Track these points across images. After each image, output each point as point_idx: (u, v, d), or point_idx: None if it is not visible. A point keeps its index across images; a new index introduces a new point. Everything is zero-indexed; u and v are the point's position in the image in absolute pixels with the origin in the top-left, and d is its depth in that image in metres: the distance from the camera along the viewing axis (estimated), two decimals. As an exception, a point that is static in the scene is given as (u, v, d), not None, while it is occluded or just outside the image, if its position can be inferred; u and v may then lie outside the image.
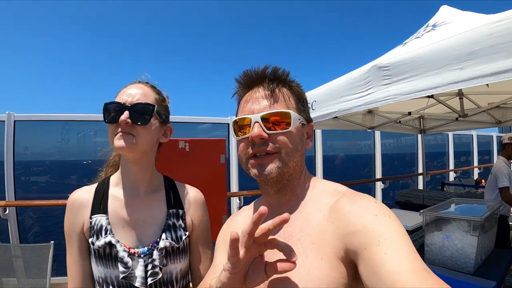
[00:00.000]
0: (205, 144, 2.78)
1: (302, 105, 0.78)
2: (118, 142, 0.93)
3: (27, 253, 2.68)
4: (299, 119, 0.75)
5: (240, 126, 0.76)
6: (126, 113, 0.92)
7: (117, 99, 0.96)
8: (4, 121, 3.81)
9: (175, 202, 1.07)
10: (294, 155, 0.74)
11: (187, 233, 1.05)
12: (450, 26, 2.03)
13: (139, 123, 0.95)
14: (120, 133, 0.93)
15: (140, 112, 0.95)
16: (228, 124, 4.78)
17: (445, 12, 2.40)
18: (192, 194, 1.12)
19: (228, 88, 0.84)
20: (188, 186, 1.14)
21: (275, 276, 0.67)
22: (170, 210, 1.04)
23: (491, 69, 1.41)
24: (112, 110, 0.94)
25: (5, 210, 3.52)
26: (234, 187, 4.72)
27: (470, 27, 1.54)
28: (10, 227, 3.64)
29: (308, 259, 0.65)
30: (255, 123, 0.71)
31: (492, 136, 9.61)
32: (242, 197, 4.14)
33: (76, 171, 5.59)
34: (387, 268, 0.52)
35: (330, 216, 0.68)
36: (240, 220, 0.90)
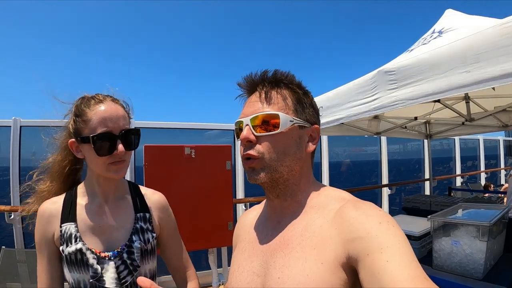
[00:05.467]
0: (211, 151, 2.77)
1: (302, 106, 0.77)
2: (118, 173, 1.00)
3: (31, 258, 2.68)
4: (291, 121, 0.73)
5: (237, 129, 0.79)
6: (121, 145, 0.97)
7: (101, 125, 0.95)
8: (10, 126, 3.85)
9: (141, 206, 1.12)
10: (284, 159, 0.72)
11: (154, 235, 1.11)
12: (457, 33, 2.02)
13: (131, 149, 1.02)
14: (116, 163, 0.98)
15: (130, 139, 1.01)
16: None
17: (451, 17, 2.40)
18: (156, 198, 1.18)
19: (236, 94, 0.84)
20: (152, 190, 1.20)
21: (271, 280, 0.68)
22: (138, 214, 1.09)
23: (498, 72, 1.40)
24: (103, 141, 0.95)
25: (10, 215, 3.52)
26: (240, 193, 4.69)
27: (476, 30, 1.53)
28: (15, 232, 3.65)
29: (307, 263, 0.65)
30: (246, 125, 0.73)
31: (499, 140, 9.42)
32: (248, 203, 4.11)
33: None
34: (389, 275, 0.52)
35: (333, 221, 0.67)
36: (250, 217, 0.92)
